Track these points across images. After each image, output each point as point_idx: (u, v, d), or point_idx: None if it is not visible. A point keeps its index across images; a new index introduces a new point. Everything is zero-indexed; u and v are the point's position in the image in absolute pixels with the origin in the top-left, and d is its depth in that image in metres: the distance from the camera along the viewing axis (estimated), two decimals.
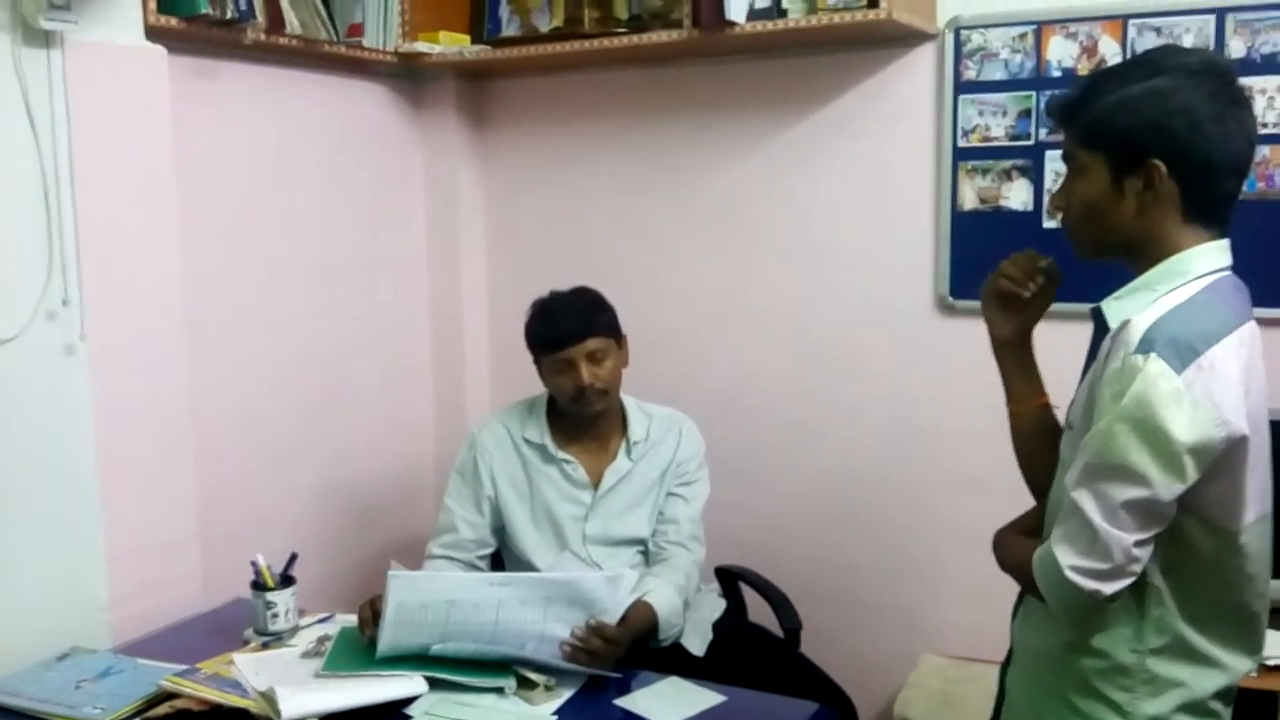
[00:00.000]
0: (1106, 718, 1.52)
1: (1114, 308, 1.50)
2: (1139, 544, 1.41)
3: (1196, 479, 1.40)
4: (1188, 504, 1.43)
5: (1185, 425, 1.37)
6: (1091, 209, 1.52)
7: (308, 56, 2.84)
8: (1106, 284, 1.54)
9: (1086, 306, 1.56)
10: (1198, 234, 1.49)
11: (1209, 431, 1.38)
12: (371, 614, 2.02)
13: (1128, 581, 1.43)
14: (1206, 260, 1.49)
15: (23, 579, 2.18)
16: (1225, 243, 1.52)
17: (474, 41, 3.11)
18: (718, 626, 2.45)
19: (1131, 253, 1.52)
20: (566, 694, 1.95)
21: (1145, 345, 1.39)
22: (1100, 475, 1.41)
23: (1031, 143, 2.66)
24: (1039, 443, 1.67)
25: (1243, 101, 1.49)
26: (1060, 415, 1.66)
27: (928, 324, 2.83)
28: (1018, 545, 1.61)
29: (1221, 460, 1.41)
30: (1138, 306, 1.46)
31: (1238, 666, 1.55)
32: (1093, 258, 1.57)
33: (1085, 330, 1.58)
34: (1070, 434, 1.56)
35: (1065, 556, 1.43)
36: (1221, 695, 1.55)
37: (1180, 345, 1.38)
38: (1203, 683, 1.52)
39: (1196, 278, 1.47)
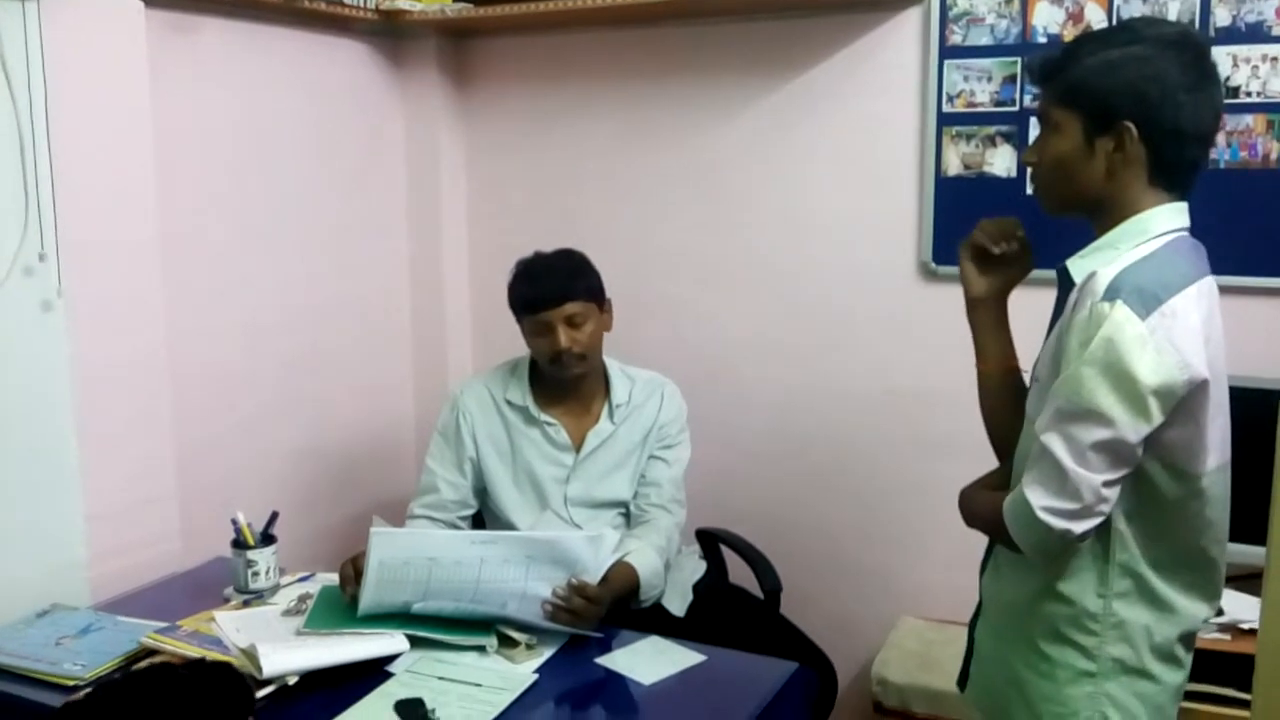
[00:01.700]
0: (1075, 662, 1.59)
1: (1078, 265, 1.56)
2: (1107, 484, 1.47)
3: (1161, 421, 1.46)
4: (1152, 448, 1.50)
5: (1150, 368, 1.43)
6: (1062, 165, 1.59)
7: (287, 13, 2.81)
8: (1066, 250, 1.59)
9: (1049, 271, 1.62)
10: (1160, 196, 1.56)
11: (1172, 374, 1.44)
12: (353, 572, 2.02)
13: (1097, 521, 1.49)
14: (1166, 220, 1.55)
15: (1, 537, 2.17)
16: (1184, 205, 1.58)
17: None
18: (698, 588, 2.47)
19: (1096, 210, 1.59)
20: (547, 653, 1.96)
21: (1111, 294, 1.46)
22: (1069, 418, 1.47)
23: (1016, 109, 2.66)
24: (1005, 405, 1.71)
25: (1213, 75, 1.56)
26: (1028, 378, 1.69)
27: (910, 289, 2.83)
28: (985, 497, 1.66)
29: (1184, 403, 1.48)
30: (1101, 262, 1.53)
31: (1197, 612, 1.62)
32: (1059, 213, 1.63)
33: (1046, 295, 1.64)
34: (1036, 387, 1.61)
35: (1037, 498, 1.49)
36: (1184, 640, 1.62)
37: (1144, 293, 1.45)
38: (1165, 627, 1.58)
39: (1156, 236, 1.54)
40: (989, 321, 1.75)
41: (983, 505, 1.65)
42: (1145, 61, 1.51)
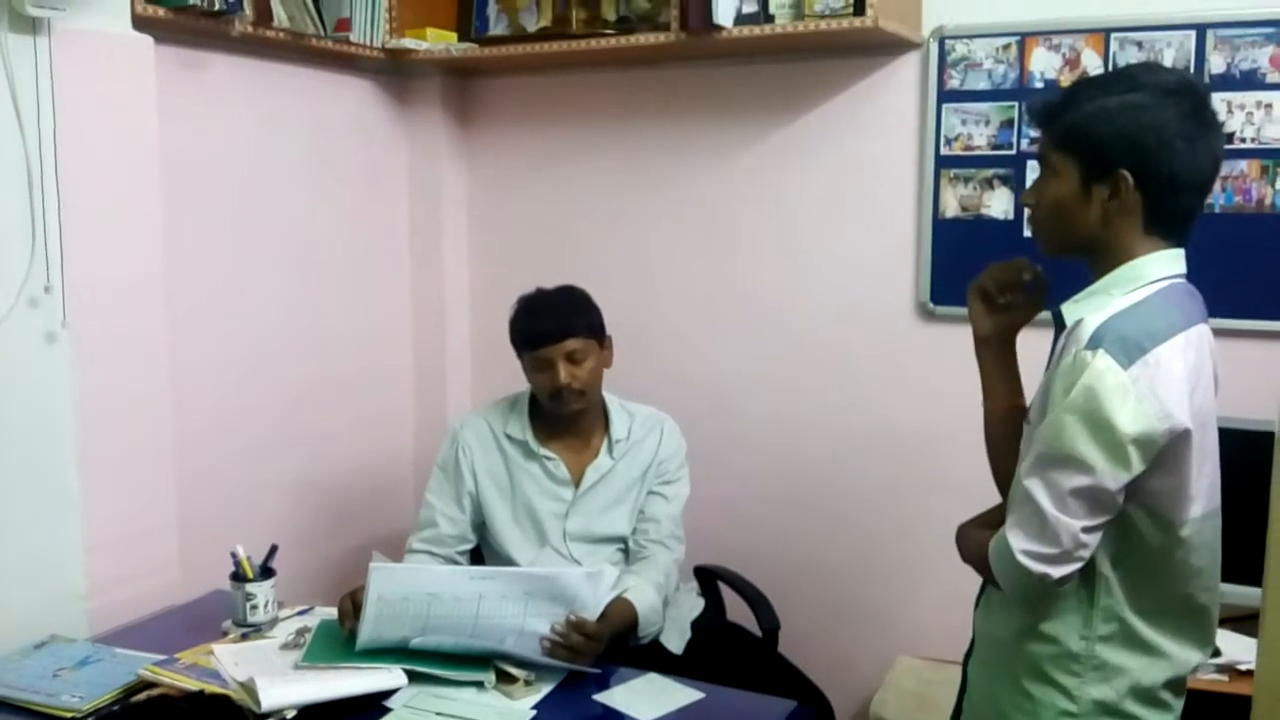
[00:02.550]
0: (1056, 701, 1.59)
1: (1072, 310, 1.57)
2: (1086, 530, 1.49)
3: (1142, 470, 1.47)
4: (1135, 496, 1.51)
5: (1130, 417, 1.44)
6: (1058, 210, 1.60)
7: (294, 50, 2.84)
8: (1068, 293, 1.61)
9: (1046, 313, 1.63)
10: (1155, 244, 1.56)
11: (1152, 424, 1.45)
12: (352, 606, 2.02)
13: (1076, 566, 1.51)
14: (1160, 267, 1.56)
15: (1, 567, 2.16)
16: (1180, 252, 1.59)
17: (461, 39, 3.12)
18: (696, 625, 2.47)
19: (1091, 255, 1.60)
20: (546, 689, 1.96)
21: (1094, 342, 1.47)
22: (1050, 464, 1.49)
23: (1013, 152, 2.69)
24: (1010, 442, 1.72)
25: (1213, 124, 1.57)
26: None
27: (908, 329, 2.85)
28: (976, 535, 1.67)
29: (1166, 453, 1.49)
30: (1092, 308, 1.54)
31: (1187, 658, 1.62)
32: (1056, 255, 1.65)
33: (1047, 336, 1.65)
34: (1028, 429, 1.62)
35: (1017, 541, 1.51)
36: (1171, 685, 1.62)
37: (1128, 343, 1.46)
38: (1151, 672, 1.59)
39: (1150, 283, 1.55)
40: (995, 360, 1.76)
41: (974, 543, 1.66)
42: (1143, 110, 1.51)
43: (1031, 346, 1.78)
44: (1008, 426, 1.73)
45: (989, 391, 1.76)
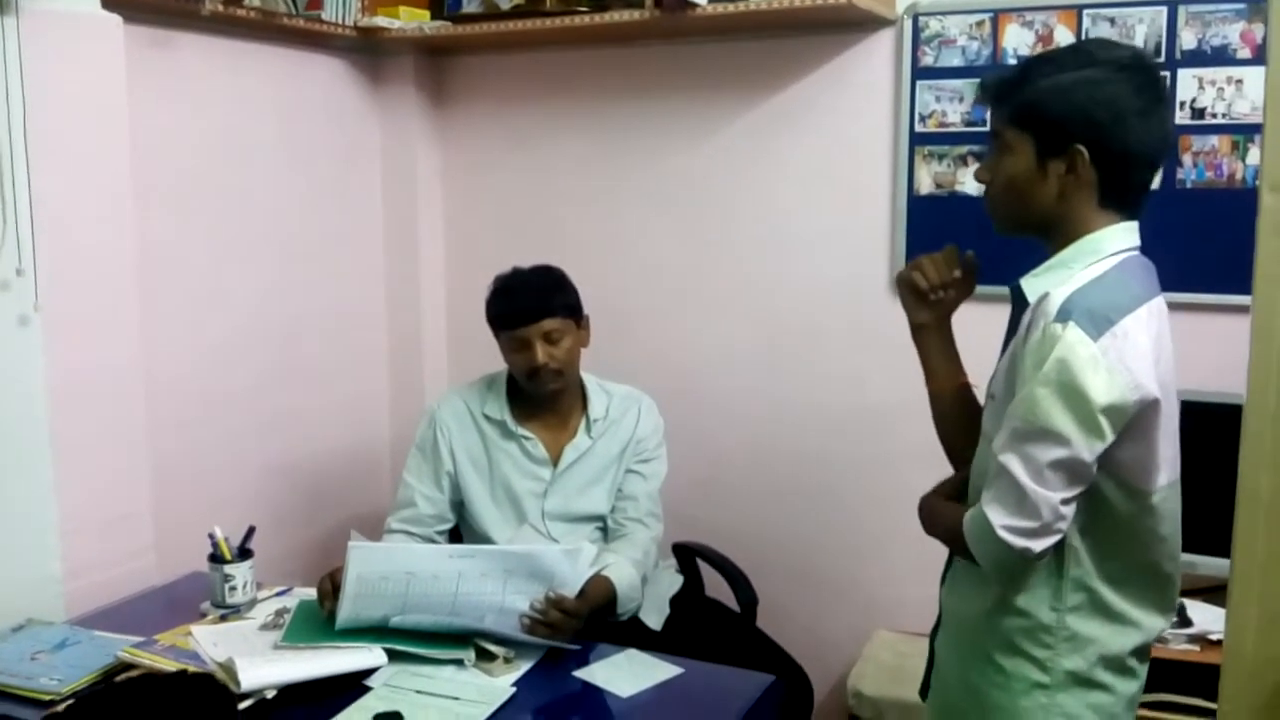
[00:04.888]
0: (1029, 674, 1.61)
1: (1032, 284, 1.59)
2: (1065, 502, 1.51)
3: (1113, 439, 1.49)
4: (1105, 466, 1.53)
5: (1102, 388, 1.46)
6: (1014, 186, 1.61)
7: (266, 29, 2.82)
8: (1023, 268, 1.62)
9: (1004, 288, 1.64)
10: (1110, 217, 1.58)
11: (1124, 394, 1.47)
12: (331, 586, 2.02)
13: (1055, 539, 1.52)
14: (1117, 240, 1.58)
15: None
16: (1134, 224, 1.61)
17: (434, 17, 3.09)
18: (675, 601, 2.48)
19: (1047, 231, 1.61)
20: (525, 666, 1.97)
21: (1063, 315, 1.49)
22: (1026, 438, 1.50)
23: (987, 129, 2.67)
24: (957, 419, 1.75)
25: (1165, 99, 1.59)
26: (980, 393, 1.73)
27: (883, 305, 2.86)
28: (947, 510, 1.69)
29: (1135, 422, 1.51)
30: (1054, 282, 1.55)
31: (1152, 625, 1.65)
32: (1011, 233, 1.66)
33: (1002, 311, 1.66)
34: (992, 405, 1.63)
35: (996, 517, 1.52)
36: (1137, 653, 1.65)
37: (1096, 315, 1.48)
38: (1119, 640, 1.61)
39: (1108, 256, 1.57)
40: (935, 344, 1.79)
41: (944, 517, 1.68)
42: (1097, 85, 1.53)
43: (972, 323, 1.79)
44: (954, 405, 1.76)
45: (932, 374, 1.79)
